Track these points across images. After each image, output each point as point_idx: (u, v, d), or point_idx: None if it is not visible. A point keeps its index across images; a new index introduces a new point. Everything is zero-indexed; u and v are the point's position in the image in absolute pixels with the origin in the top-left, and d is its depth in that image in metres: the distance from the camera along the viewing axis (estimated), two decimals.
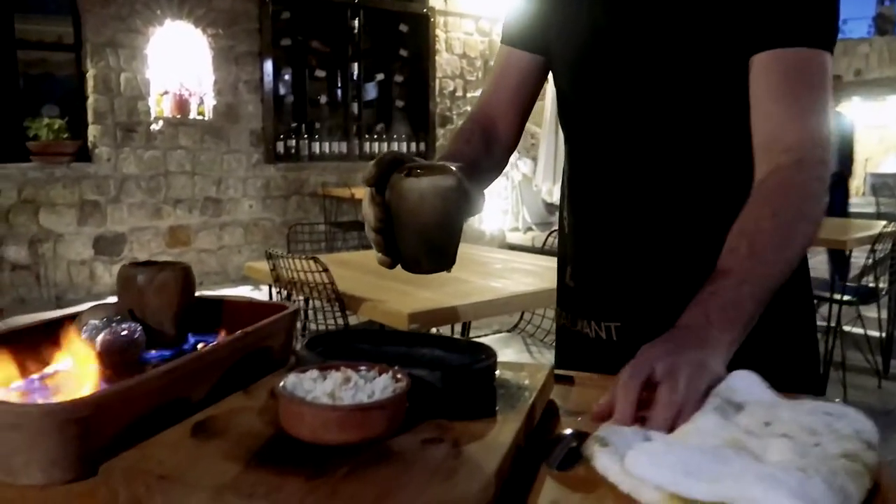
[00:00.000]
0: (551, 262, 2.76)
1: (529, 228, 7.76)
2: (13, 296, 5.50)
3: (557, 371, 0.89)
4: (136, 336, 0.88)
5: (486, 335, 2.61)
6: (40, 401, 0.70)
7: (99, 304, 0.91)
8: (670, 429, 0.65)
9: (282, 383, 0.65)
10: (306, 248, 4.16)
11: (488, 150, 1.09)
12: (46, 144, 5.54)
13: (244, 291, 2.75)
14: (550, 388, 0.83)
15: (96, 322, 0.86)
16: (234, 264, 6.26)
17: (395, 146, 7.17)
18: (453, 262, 0.84)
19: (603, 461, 0.59)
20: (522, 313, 2.75)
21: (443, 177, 0.79)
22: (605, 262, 1.07)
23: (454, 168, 0.80)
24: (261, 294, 2.38)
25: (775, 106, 0.89)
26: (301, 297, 2.12)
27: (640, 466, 0.56)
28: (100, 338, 0.85)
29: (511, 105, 1.14)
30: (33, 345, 0.83)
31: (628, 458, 0.57)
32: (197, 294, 1.00)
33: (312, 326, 2.27)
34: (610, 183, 1.05)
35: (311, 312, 2.08)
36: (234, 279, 6.15)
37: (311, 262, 1.96)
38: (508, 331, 2.74)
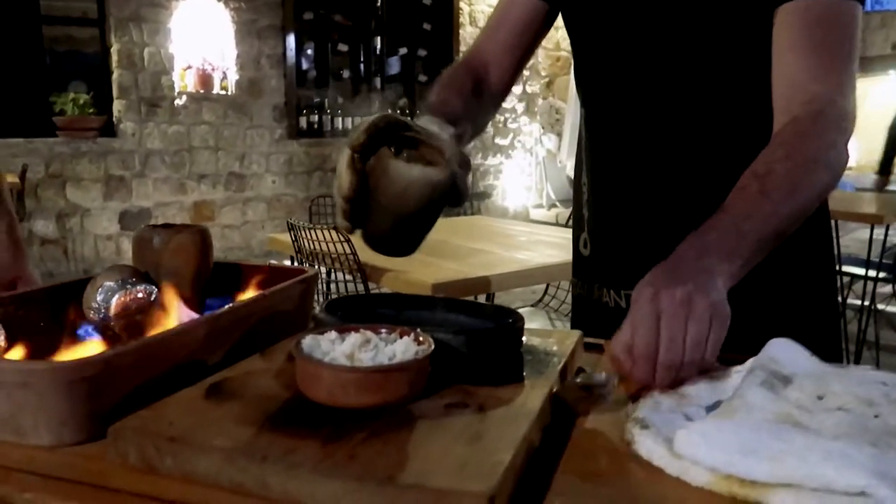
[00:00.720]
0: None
1: (553, 205, 7.68)
2: (42, 269, 5.58)
3: (586, 339, 0.85)
4: (152, 298, 0.86)
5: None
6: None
7: (115, 266, 0.89)
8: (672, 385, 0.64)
9: (298, 344, 0.62)
10: (328, 221, 4.14)
11: (479, 100, 1.02)
12: (72, 119, 5.57)
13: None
14: (579, 355, 0.79)
15: (112, 284, 0.84)
16: (257, 239, 6.28)
17: (417, 122, 7.08)
18: (416, 249, 0.81)
19: (646, 444, 0.55)
20: (547, 287, 2.70)
21: (435, 170, 0.73)
22: (624, 228, 1.02)
23: (447, 152, 0.75)
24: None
25: (798, 58, 0.83)
26: (323, 268, 2.09)
27: (692, 446, 0.52)
28: (115, 299, 0.83)
29: (507, 50, 1.07)
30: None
31: (678, 438, 0.53)
32: (220, 260, 0.98)
33: (333, 293, 2.25)
34: (628, 145, 1.00)
35: (333, 284, 2.06)
36: (257, 254, 6.17)
37: (333, 233, 1.93)
38: (532, 305, 2.70)
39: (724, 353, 0.81)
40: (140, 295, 0.85)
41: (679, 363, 0.64)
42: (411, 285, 1.82)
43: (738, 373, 0.73)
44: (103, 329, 0.83)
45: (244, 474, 0.50)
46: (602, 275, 1.05)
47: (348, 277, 1.98)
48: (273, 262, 2.98)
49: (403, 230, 0.77)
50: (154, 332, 0.71)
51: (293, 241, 2.18)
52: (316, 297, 1.02)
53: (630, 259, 1.01)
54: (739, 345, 0.79)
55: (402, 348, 0.62)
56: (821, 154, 0.78)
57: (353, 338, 0.63)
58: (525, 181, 7.93)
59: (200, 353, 0.70)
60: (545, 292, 2.72)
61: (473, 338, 0.69)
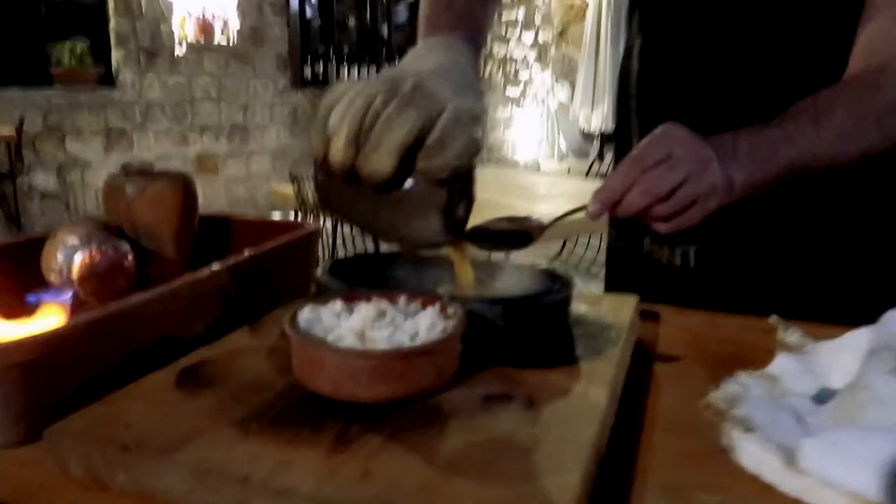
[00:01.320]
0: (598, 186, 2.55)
1: (565, 157, 7.47)
2: (43, 224, 5.47)
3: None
4: (123, 258, 0.73)
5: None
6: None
7: (80, 219, 0.75)
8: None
9: (293, 318, 0.48)
10: None
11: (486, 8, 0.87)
12: (70, 70, 5.38)
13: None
14: (637, 326, 0.65)
15: (75, 241, 0.70)
16: (262, 192, 6.13)
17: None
18: None
19: (752, 452, 0.42)
20: (564, 243, 2.56)
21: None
22: None
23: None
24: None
25: (883, 12, 0.75)
26: (329, 223, 1.96)
27: (825, 463, 0.39)
28: (77, 258, 0.70)
29: None
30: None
31: (807, 451, 0.40)
32: (206, 213, 0.84)
33: (339, 249, 2.11)
34: (690, 80, 0.86)
35: (339, 240, 1.93)
36: (262, 207, 6.04)
37: None
38: (551, 260, 2.56)
39: (808, 321, 0.68)
40: (110, 254, 0.71)
41: (657, 197, 0.60)
42: None
43: (832, 350, 0.59)
44: (67, 295, 0.70)
45: (220, 497, 0.37)
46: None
47: (356, 233, 1.85)
48: (276, 215, 2.84)
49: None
50: (122, 299, 0.58)
51: (296, 194, 2.04)
52: (321, 253, 0.88)
53: None
54: (835, 314, 0.66)
55: (425, 323, 0.48)
56: (882, 111, 0.73)
57: (364, 309, 0.49)
58: (536, 133, 7.71)
59: (175, 326, 0.56)
60: (562, 247, 2.58)
61: (514, 308, 0.55)
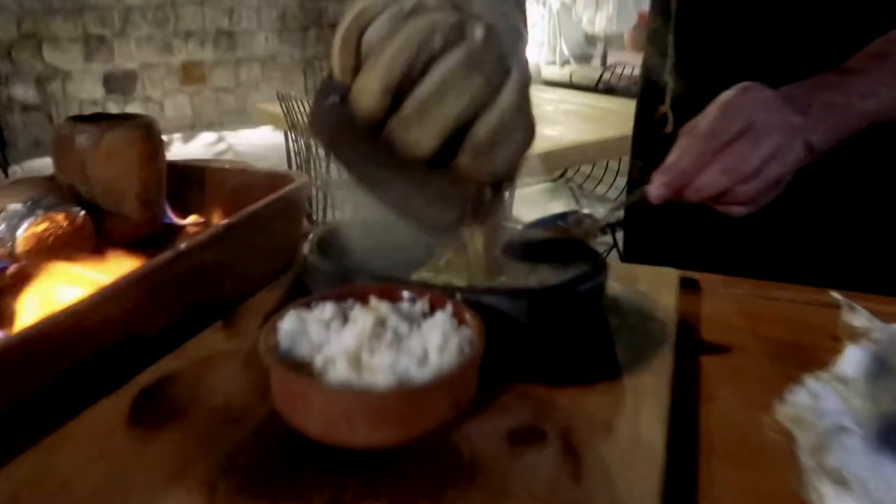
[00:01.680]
0: (610, 103, 2.38)
1: (567, 62, 7.16)
2: (27, 138, 5.29)
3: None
4: (77, 224, 0.62)
5: (528, 186, 2.31)
6: None
7: (22, 180, 0.64)
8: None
9: (272, 334, 0.39)
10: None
11: None
12: None
13: (266, 134, 2.45)
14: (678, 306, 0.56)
15: (18, 207, 0.60)
16: (252, 102, 5.89)
17: None
18: None
19: None
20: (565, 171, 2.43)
21: None
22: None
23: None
24: (277, 140, 2.10)
25: None
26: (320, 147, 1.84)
27: None
28: (22, 228, 0.59)
29: None
30: None
31: None
32: (175, 162, 0.73)
33: (334, 173, 2.00)
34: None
35: (333, 167, 1.81)
36: (254, 119, 5.82)
37: None
38: (554, 180, 2.44)
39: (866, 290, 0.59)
40: (60, 221, 0.61)
41: (740, 178, 0.50)
42: None
43: None
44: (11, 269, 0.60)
45: None
46: None
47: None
48: (275, 135, 2.68)
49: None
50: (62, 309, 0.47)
51: (285, 115, 1.90)
52: (312, 195, 0.77)
53: None
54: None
55: (436, 335, 0.39)
56: None
57: (361, 319, 0.40)
58: (537, 36, 7.36)
59: (133, 327, 0.47)
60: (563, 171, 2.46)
61: (542, 301, 0.45)
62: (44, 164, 4.94)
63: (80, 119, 0.68)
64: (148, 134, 0.69)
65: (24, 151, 5.14)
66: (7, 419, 0.37)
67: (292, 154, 1.99)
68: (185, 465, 0.35)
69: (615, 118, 1.78)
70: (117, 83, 5.54)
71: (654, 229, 0.88)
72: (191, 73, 5.77)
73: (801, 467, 0.38)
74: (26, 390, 0.39)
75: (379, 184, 0.45)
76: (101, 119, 0.68)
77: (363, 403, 0.34)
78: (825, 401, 0.45)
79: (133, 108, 5.63)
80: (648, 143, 0.87)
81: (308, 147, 1.88)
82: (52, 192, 0.62)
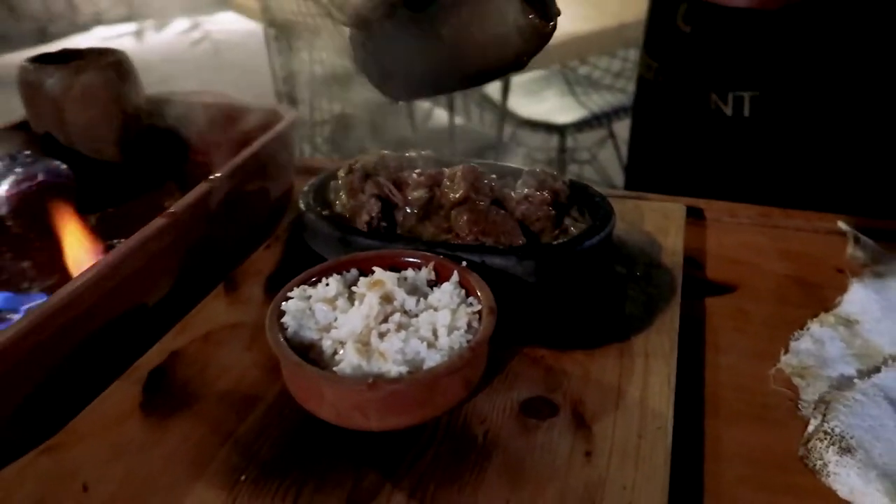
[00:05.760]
0: None
1: None
2: None
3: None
4: (60, 178, 0.60)
5: (520, 75, 2.23)
6: None
7: None
8: None
9: (278, 317, 0.38)
10: None
11: None
12: None
13: (236, 19, 2.27)
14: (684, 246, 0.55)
15: None
16: None
17: None
18: None
19: (849, 479, 0.34)
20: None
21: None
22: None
23: None
24: (256, 27, 1.97)
25: None
26: (300, 43, 1.74)
27: None
28: (3, 189, 0.57)
29: None
30: None
31: None
32: (152, 96, 0.69)
33: (318, 69, 1.90)
34: None
35: (317, 67, 1.72)
36: (225, 4, 5.50)
37: (311, 4, 1.52)
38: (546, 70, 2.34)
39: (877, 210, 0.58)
40: (41, 177, 0.58)
41: None
42: None
43: None
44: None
45: None
46: (704, 65, 0.76)
47: (332, 55, 1.64)
48: (242, 22, 2.50)
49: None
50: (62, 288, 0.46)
51: (263, 11, 1.78)
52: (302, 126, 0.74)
53: (750, 46, 0.72)
54: None
55: (444, 313, 0.38)
56: None
57: (367, 299, 0.39)
58: None
59: (134, 297, 0.46)
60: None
61: (548, 259, 0.45)
62: (13, 61, 4.72)
63: (45, 59, 0.63)
64: (123, 71, 0.65)
65: None
66: (15, 414, 0.37)
67: (273, 52, 1.90)
68: (203, 457, 0.35)
69: (614, 5, 1.67)
70: None
71: (659, 154, 0.85)
72: None
73: (804, 429, 0.38)
74: (33, 379, 0.39)
75: (418, 56, 0.42)
76: (68, 58, 0.64)
77: (375, 394, 0.34)
78: (829, 347, 0.45)
79: None
80: (664, 39, 0.82)
81: (291, 47, 1.79)
82: (28, 145, 0.59)
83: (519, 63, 0.42)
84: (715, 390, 0.43)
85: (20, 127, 0.63)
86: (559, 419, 0.37)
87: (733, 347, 0.46)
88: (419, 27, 0.41)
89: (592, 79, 2.28)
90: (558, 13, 0.41)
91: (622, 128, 2.06)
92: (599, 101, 2.12)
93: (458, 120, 2.11)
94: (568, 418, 0.37)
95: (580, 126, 2.02)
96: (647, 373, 0.40)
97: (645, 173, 0.91)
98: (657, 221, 0.55)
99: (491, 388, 0.39)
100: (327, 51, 1.63)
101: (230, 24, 4.92)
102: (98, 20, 5.59)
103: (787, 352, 0.45)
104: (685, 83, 0.78)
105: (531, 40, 0.40)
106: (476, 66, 0.43)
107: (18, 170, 0.57)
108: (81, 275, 0.42)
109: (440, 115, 2.08)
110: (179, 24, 5.17)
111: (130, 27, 5.09)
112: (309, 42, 1.69)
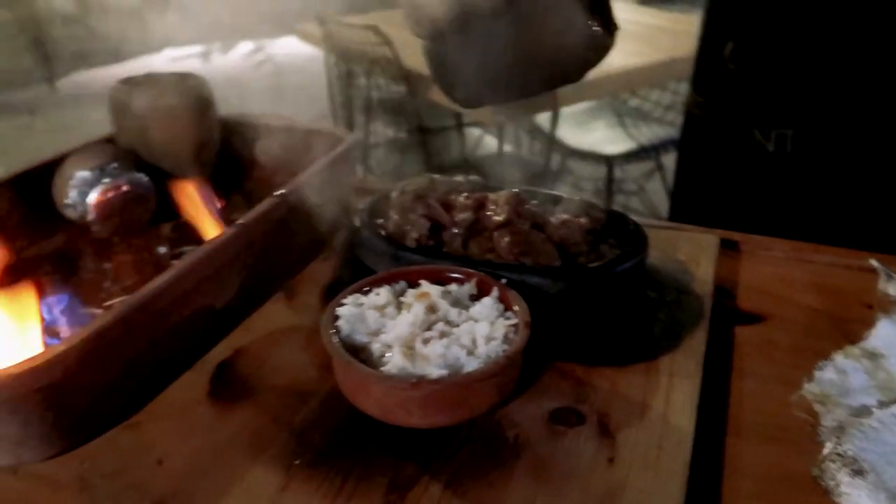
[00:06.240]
0: (661, 20, 2.27)
1: None
2: (70, 50, 5.32)
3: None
4: (141, 190, 0.66)
5: (570, 106, 2.26)
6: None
7: (88, 146, 0.67)
8: None
9: (333, 321, 0.42)
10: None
11: None
12: None
13: (298, 43, 2.42)
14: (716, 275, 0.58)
15: (86, 174, 0.63)
16: (290, 8, 5.79)
17: None
18: None
19: (860, 501, 0.36)
20: None
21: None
22: (797, 37, 0.73)
23: None
24: (316, 51, 2.08)
25: None
26: (359, 69, 1.82)
27: None
28: (93, 195, 0.63)
29: None
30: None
31: None
32: (225, 117, 0.75)
33: (374, 94, 1.99)
34: None
35: (374, 92, 1.79)
36: (285, 26, 5.73)
37: (371, 33, 1.61)
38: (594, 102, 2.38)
39: None
40: (125, 188, 0.64)
41: None
42: None
43: None
44: (88, 230, 0.64)
45: None
46: (750, 101, 0.78)
47: (393, 85, 1.71)
48: (303, 46, 2.64)
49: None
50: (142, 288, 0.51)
51: (325, 39, 1.87)
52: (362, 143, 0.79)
53: (794, 84, 0.74)
54: None
55: (483, 324, 0.42)
56: None
57: (414, 308, 0.43)
58: None
59: (204, 300, 0.51)
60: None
61: (582, 281, 0.48)
62: (89, 78, 4.99)
63: (132, 81, 0.70)
64: (202, 95, 0.71)
65: (68, 64, 5.18)
66: (101, 395, 0.42)
67: (333, 76, 1.99)
68: (264, 441, 0.40)
69: (668, 39, 1.70)
70: None
71: (703, 186, 0.87)
72: None
73: (820, 452, 0.41)
74: (117, 365, 0.44)
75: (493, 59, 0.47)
76: (153, 79, 0.71)
77: (417, 393, 0.38)
78: (852, 378, 0.47)
79: (171, 16, 5.59)
80: (711, 76, 0.85)
81: (350, 73, 1.87)
82: (115, 158, 0.66)
83: (581, 72, 0.46)
84: (738, 412, 0.45)
85: (108, 141, 0.70)
86: (585, 428, 0.40)
87: (758, 374, 0.49)
88: (492, 36, 0.46)
89: (642, 111, 2.30)
90: (617, 28, 0.45)
91: (671, 160, 2.07)
92: (648, 134, 2.14)
93: (507, 147, 2.16)
94: (594, 427, 0.40)
95: (628, 157, 2.04)
96: (671, 390, 0.43)
97: (689, 205, 0.94)
98: (690, 251, 0.57)
99: (523, 397, 0.43)
100: (384, 77, 1.70)
101: (292, 49, 5.11)
102: (168, 42, 5.88)
103: (810, 380, 0.47)
104: (729, 119, 0.80)
105: (595, 50, 0.45)
106: (543, 73, 0.47)
107: (106, 180, 0.63)
108: (158, 277, 0.47)
109: (490, 142, 2.13)
110: (244, 47, 5.39)
111: (198, 49, 5.34)
112: (367, 69, 1.76)
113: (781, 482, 0.40)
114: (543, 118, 2.08)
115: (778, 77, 0.75)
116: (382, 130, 1.91)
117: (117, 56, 5.32)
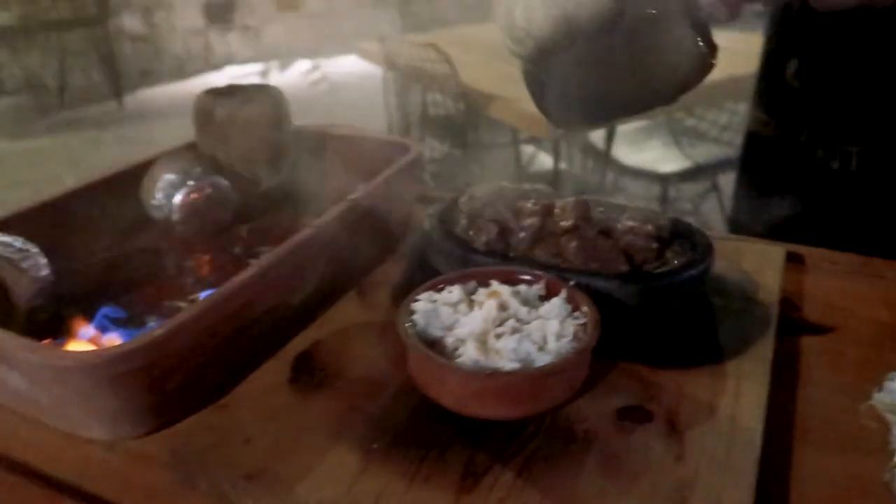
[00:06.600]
0: (721, 39, 2.25)
1: None
2: (137, 69, 5.56)
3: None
4: (222, 194, 0.70)
5: (624, 125, 2.26)
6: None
7: (174, 151, 0.71)
8: None
9: (409, 314, 0.44)
10: (423, 11, 3.75)
11: None
12: None
13: (358, 61, 2.50)
14: (782, 287, 0.58)
15: (172, 177, 0.68)
16: (346, 30, 5.94)
17: None
18: None
19: None
20: None
21: None
22: (861, 53, 0.73)
23: None
24: (372, 69, 2.14)
25: None
26: (417, 86, 1.86)
27: None
28: (178, 198, 0.67)
29: None
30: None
31: None
32: (297, 127, 0.79)
33: (430, 111, 2.03)
34: None
35: (432, 108, 1.83)
36: (347, 47, 5.87)
37: (430, 50, 1.65)
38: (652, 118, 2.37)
39: None
40: (209, 192, 0.68)
41: None
42: (523, 117, 1.56)
43: None
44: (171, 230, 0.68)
45: None
46: (814, 118, 0.78)
47: (449, 102, 1.75)
48: (363, 64, 2.71)
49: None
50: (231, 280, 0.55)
51: (385, 57, 1.93)
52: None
53: (860, 101, 0.74)
54: None
55: (553, 322, 0.43)
56: None
57: (486, 305, 0.45)
58: None
59: (282, 294, 0.54)
60: None
61: (650, 286, 0.49)
62: (154, 94, 5.20)
63: (215, 91, 0.75)
64: (278, 105, 0.75)
65: (135, 81, 5.42)
66: (192, 377, 0.45)
67: (390, 93, 2.04)
68: (342, 426, 0.42)
69: (728, 56, 1.69)
70: (217, 12, 5.69)
71: (763, 206, 0.87)
72: (286, 0, 5.84)
73: (892, 459, 0.41)
74: (207, 351, 0.47)
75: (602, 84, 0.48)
76: (234, 90, 0.75)
77: (491, 384, 0.40)
78: None
79: (232, 37, 5.80)
80: (774, 94, 0.85)
81: (407, 90, 1.92)
82: (198, 164, 0.70)
83: (680, 92, 0.47)
84: (805, 421, 0.45)
85: (191, 147, 0.74)
86: (653, 425, 0.41)
87: (826, 384, 0.49)
88: (597, 57, 0.47)
89: (699, 131, 2.28)
90: (717, 48, 0.46)
91: (726, 181, 2.05)
92: (704, 153, 2.12)
93: (562, 165, 2.17)
94: (661, 425, 0.41)
95: (683, 176, 2.02)
96: (739, 394, 0.43)
97: (748, 223, 0.93)
98: (756, 262, 0.58)
99: (591, 395, 0.44)
100: (441, 94, 1.73)
101: (347, 67, 5.22)
102: (229, 60, 6.09)
103: (880, 390, 0.47)
104: (793, 137, 0.80)
105: (699, 70, 0.46)
106: (644, 93, 0.48)
107: (190, 182, 0.67)
108: (243, 272, 0.50)
109: (545, 159, 2.14)
110: (301, 66, 5.54)
111: (257, 67, 5.52)
112: (424, 85, 1.80)
113: (852, 487, 0.40)
114: (598, 136, 2.08)
115: (843, 94, 0.75)
116: (438, 146, 1.95)
117: (181, 74, 5.54)
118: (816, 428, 0.45)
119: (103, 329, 0.51)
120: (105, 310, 0.53)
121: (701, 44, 0.44)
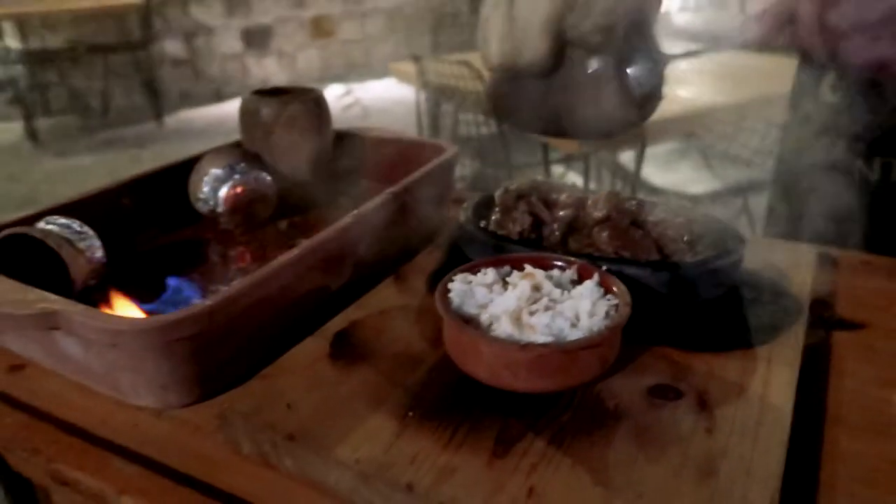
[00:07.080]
0: (756, 60, 2.27)
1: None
2: (176, 90, 5.72)
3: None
4: (265, 189, 0.72)
5: (655, 146, 2.27)
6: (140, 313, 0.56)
7: (221, 148, 0.75)
8: None
9: (446, 292, 0.46)
10: (453, 39, 3.82)
11: None
12: None
13: (389, 86, 2.56)
14: (813, 285, 0.58)
15: (218, 171, 0.71)
16: (377, 56, 6.05)
17: None
18: None
19: None
20: None
21: None
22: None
23: None
24: (405, 91, 2.19)
25: None
26: (449, 105, 1.90)
27: None
28: (223, 191, 0.70)
29: None
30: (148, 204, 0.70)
31: None
32: (338, 129, 0.82)
33: (462, 131, 2.06)
34: None
35: (463, 126, 1.87)
36: (378, 72, 5.97)
37: (463, 68, 1.68)
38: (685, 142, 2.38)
39: None
40: (252, 186, 0.71)
41: None
42: None
43: None
44: (216, 222, 0.71)
45: (384, 500, 0.37)
46: (851, 131, 0.79)
47: (480, 119, 1.78)
48: (398, 88, 2.78)
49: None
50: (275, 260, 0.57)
51: (419, 75, 1.97)
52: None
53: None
54: None
55: (586, 301, 0.45)
56: None
57: (520, 285, 0.46)
58: None
59: (322, 278, 0.56)
60: None
61: (681, 274, 0.50)
62: (192, 116, 5.34)
63: (261, 93, 0.78)
64: (319, 105, 0.78)
65: (174, 103, 5.58)
66: (238, 349, 0.47)
67: (422, 112, 2.08)
68: (380, 396, 0.43)
69: (756, 77, 1.70)
70: (255, 38, 5.85)
71: (798, 221, 0.87)
72: (321, 26, 5.99)
73: None
74: (252, 324, 0.49)
75: (544, 119, 0.56)
76: (278, 92, 0.78)
77: (524, 356, 0.41)
78: None
79: (269, 61, 5.96)
80: (810, 108, 0.85)
81: (438, 105, 1.96)
82: (243, 159, 0.73)
83: (608, 136, 0.55)
84: (837, 408, 0.46)
85: (237, 145, 0.77)
86: (683, 402, 0.42)
87: (858, 375, 0.49)
88: (549, 86, 0.55)
89: (729, 154, 2.28)
90: (662, 98, 0.51)
91: (758, 204, 2.04)
92: (735, 175, 2.11)
93: (592, 185, 2.18)
94: (692, 402, 0.42)
95: (714, 198, 2.02)
96: (769, 375, 0.44)
97: (783, 237, 0.93)
98: (787, 260, 0.58)
99: (622, 373, 0.45)
100: (474, 112, 1.76)
101: (379, 92, 5.32)
102: (265, 84, 6.24)
103: None
104: (830, 151, 0.81)
105: (621, 124, 0.53)
106: (582, 128, 0.55)
107: (236, 177, 0.70)
108: (286, 254, 0.52)
109: (575, 179, 2.15)
110: (334, 90, 5.65)
111: None
112: (457, 103, 1.84)
113: (883, 469, 0.40)
114: (628, 158, 2.09)
115: (880, 106, 0.75)
116: (469, 164, 1.98)
117: (219, 96, 5.69)
118: (848, 415, 0.45)
119: (163, 300, 0.54)
120: (172, 280, 0.55)
121: (625, 103, 0.51)
